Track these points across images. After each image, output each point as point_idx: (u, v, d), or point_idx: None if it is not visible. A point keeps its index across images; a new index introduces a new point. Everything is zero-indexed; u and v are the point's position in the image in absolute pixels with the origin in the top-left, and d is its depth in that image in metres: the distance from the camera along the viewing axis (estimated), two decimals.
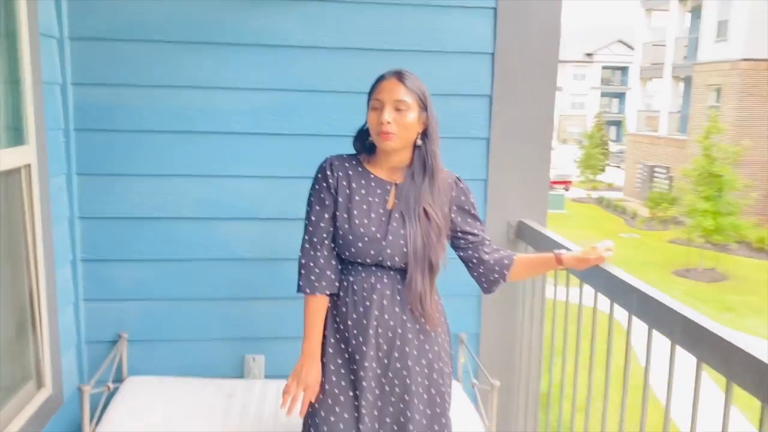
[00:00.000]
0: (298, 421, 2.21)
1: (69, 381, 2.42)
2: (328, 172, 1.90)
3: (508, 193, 2.68)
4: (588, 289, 2.12)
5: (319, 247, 1.89)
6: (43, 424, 2.16)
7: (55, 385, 2.29)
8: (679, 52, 26.28)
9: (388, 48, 2.56)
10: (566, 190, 29.92)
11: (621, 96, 48.61)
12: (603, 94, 48.84)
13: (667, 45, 27.07)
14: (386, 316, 1.87)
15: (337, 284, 1.91)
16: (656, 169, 26.33)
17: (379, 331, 1.87)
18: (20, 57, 2.08)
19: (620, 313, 1.92)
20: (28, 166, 2.11)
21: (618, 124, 44.68)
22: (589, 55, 47.60)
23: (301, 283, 1.91)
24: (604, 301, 2.03)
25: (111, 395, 2.41)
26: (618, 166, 35.33)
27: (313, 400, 1.93)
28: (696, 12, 25.11)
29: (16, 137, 2.10)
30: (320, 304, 1.92)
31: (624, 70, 47.42)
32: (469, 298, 2.69)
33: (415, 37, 2.58)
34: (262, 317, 2.70)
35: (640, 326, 1.80)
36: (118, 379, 2.54)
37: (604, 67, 48.96)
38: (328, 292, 1.90)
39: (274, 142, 2.59)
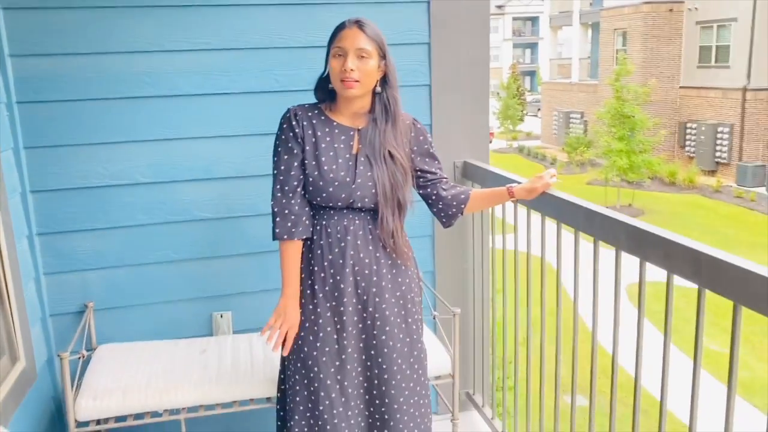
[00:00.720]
0: (274, 366, 2.32)
1: (39, 355, 2.41)
2: (294, 122, 1.95)
3: (452, 135, 2.77)
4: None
5: (291, 194, 1.94)
6: (20, 398, 2.16)
7: (28, 359, 2.28)
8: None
9: (329, 1, 2.60)
10: (489, 141, 30.45)
11: (533, 46, 49.46)
12: (515, 45, 49.47)
13: None
14: (361, 255, 1.96)
15: (310, 229, 1.98)
16: (571, 115, 27.22)
17: (356, 269, 1.96)
18: None
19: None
20: None
21: (532, 74, 45.51)
22: (499, 7, 48.10)
23: (277, 230, 1.95)
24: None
25: (85, 364, 2.41)
26: (535, 115, 36.19)
27: (292, 338, 2.00)
28: None
29: None
30: (297, 248, 1.99)
31: (534, 20, 48.21)
32: (424, 238, 2.81)
33: None
34: (226, 275, 2.73)
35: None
36: (89, 349, 2.53)
37: (514, 18, 49.52)
38: (303, 237, 1.97)
39: (224, 102, 2.59)
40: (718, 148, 20.59)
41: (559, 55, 32.34)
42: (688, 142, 22.01)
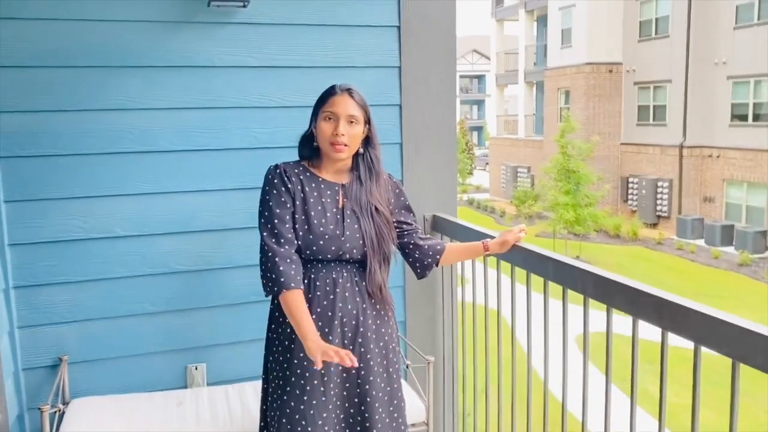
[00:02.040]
0: (253, 418, 2.34)
1: (12, 409, 2.37)
2: (284, 178, 1.99)
3: (422, 190, 2.88)
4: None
5: (288, 246, 1.95)
6: None
7: (2, 413, 2.25)
8: (529, 59, 28.07)
9: (306, 65, 2.72)
10: None
11: (480, 103, 50.96)
12: (463, 102, 50.81)
13: (519, 53, 28.77)
14: (349, 306, 2.02)
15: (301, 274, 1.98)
16: (519, 169, 27.94)
17: (344, 320, 2.01)
18: None
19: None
20: None
21: (479, 129, 46.90)
22: None
23: (282, 279, 1.89)
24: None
25: (60, 420, 2.38)
26: (484, 169, 37.09)
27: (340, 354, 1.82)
28: (542, 21, 26.90)
29: None
30: (302, 295, 1.94)
31: (481, 78, 49.82)
32: (395, 289, 2.82)
33: (329, 54, 2.75)
34: (201, 327, 2.75)
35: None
36: (63, 403, 2.49)
37: (461, 76, 50.95)
38: (301, 285, 1.95)
39: (203, 158, 2.66)
40: (658, 201, 21.40)
41: (506, 112, 33.43)
42: (630, 196, 22.81)
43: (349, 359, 1.78)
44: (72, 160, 2.53)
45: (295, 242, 1.98)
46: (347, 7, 2.76)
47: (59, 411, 2.36)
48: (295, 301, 1.92)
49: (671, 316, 1.57)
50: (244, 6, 2.58)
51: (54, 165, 2.51)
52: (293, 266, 1.95)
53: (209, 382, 2.78)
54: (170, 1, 2.57)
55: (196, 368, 2.76)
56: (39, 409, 2.15)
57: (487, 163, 35.47)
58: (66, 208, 2.54)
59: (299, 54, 2.73)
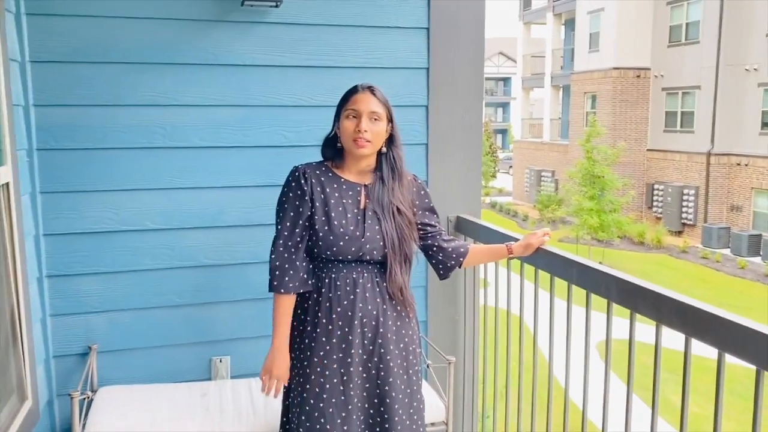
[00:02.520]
0: (275, 411, 2.36)
1: (42, 394, 2.43)
2: (302, 181, 2.01)
3: (446, 191, 2.89)
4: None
5: (293, 250, 1.99)
6: None
7: (34, 398, 2.29)
8: (556, 63, 27.85)
9: (337, 65, 2.75)
10: None
11: (505, 105, 50.75)
12: (488, 104, 50.57)
13: (546, 56, 28.56)
14: (369, 307, 2.02)
15: (310, 283, 2.03)
16: (542, 173, 27.77)
17: (364, 321, 2.01)
18: None
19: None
20: (7, 184, 2.12)
21: (504, 132, 46.56)
22: None
23: (275, 283, 1.99)
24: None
25: (88, 407, 2.42)
26: (507, 172, 36.90)
27: (286, 384, 2.06)
28: (570, 24, 26.67)
29: None
30: (291, 302, 2.04)
31: (506, 80, 49.60)
32: (417, 289, 2.84)
33: (359, 55, 2.77)
34: (226, 320, 2.78)
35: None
36: (91, 390, 2.54)
37: (486, 78, 50.73)
38: (300, 291, 2.02)
39: (233, 155, 2.70)
40: (684, 209, 21.14)
41: (531, 115, 33.21)
42: (655, 203, 22.57)
43: (266, 391, 2.03)
44: (105, 154, 2.58)
45: (301, 247, 2.02)
46: (378, 8, 2.78)
47: (88, 398, 2.41)
48: (280, 304, 2.02)
49: (695, 322, 1.58)
50: (277, 6, 2.61)
51: (88, 158, 2.57)
52: (290, 272, 1.99)
53: (233, 374, 2.81)
54: (204, 0, 2.60)
55: (221, 361, 2.80)
56: (69, 395, 2.20)
57: (510, 167, 35.29)
58: (99, 200, 2.60)
59: (330, 54, 2.75)
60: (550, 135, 28.52)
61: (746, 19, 19.28)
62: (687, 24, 21.34)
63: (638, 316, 1.81)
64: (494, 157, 34.39)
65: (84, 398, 2.37)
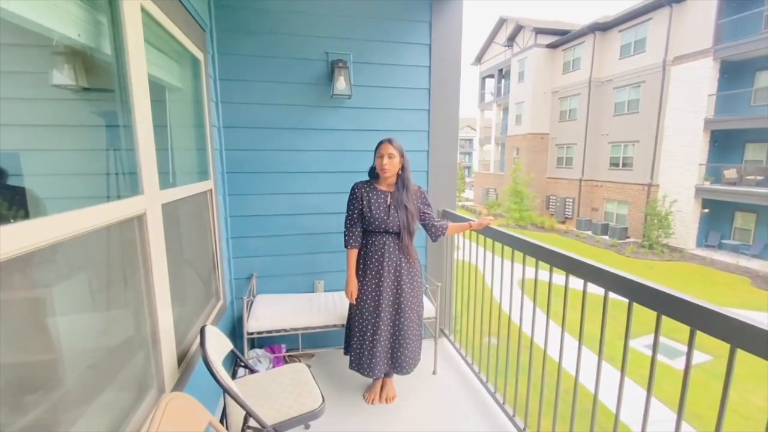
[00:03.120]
0: (345, 308, 2.35)
1: (228, 298, 2.46)
2: (356, 190, 1.99)
3: (438, 196, 2.80)
4: (469, 253, 2.37)
5: (353, 226, 1.98)
6: (219, 320, 2.20)
7: (224, 300, 2.33)
8: (498, 131, 27.21)
9: (378, 129, 2.67)
10: None
11: (470, 154, 49.67)
12: (461, 153, 49.56)
13: (492, 127, 27.91)
14: (393, 257, 1.98)
15: (360, 242, 1.99)
16: (489, 190, 27.16)
17: (390, 266, 1.98)
18: (206, 136, 2.14)
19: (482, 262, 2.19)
20: (211, 190, 2.16)
21: (469, 167, 45.75)
22: None
23: (346, 243, 2.00)
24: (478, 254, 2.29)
25: (251, 303, 2.45)
26: (471, 189, 36.19)
27: (356, 297, 2.02)
28: (506, 110, 26.01)
29: (205, 176, 2.14)
30: (354, 252, 2.01)
31: (471, 140, 48.58)
32: (421, 248, 2.84)
33: (392, 123, 2.68)
34: (322, 261, 2.74)
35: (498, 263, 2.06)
36: (252, 296, 2.57)
37: (461, 139, 49.79)
38: (357, 247, 1.99)
39: (327, 176, 2.65)
40: (566, 209, 20.48)
41: (483, 159, 32.50)
42: (550, 206, 21.87)
43: (349, 297, 1.95)
44: (259, 175, 2.57)
45: (357, 224, 1.98)
46: (403, 98, 2.70)
47: (250, 301, 2.44)
48: (350, 254, 1.99)
49: (566, 264, 1.47)
50: (349, 98, 2.58)
51: (250, 177, 2.56)
52: (352, 238, 1.97)
53: (326, 289, 2.79)
54: (313, 94, 2.57)
55: (319, 282, 2.77)
56: (241, 298, 2.23)
57: (472, 186, 34.62)
58: (257, 199, 2.59)
59: (376, 123, 2.69)
60: (494, 169, 27.89)
61: (603, 107, 18.50)
62: (570, 109, 20.56)
63: (542, 264, 1.71)
64: (464, 181, 33.81)
65: (249, 301, 2.40)
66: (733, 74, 13.59)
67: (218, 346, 1.64)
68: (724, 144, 13.99)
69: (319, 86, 2.56)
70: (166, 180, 1.86)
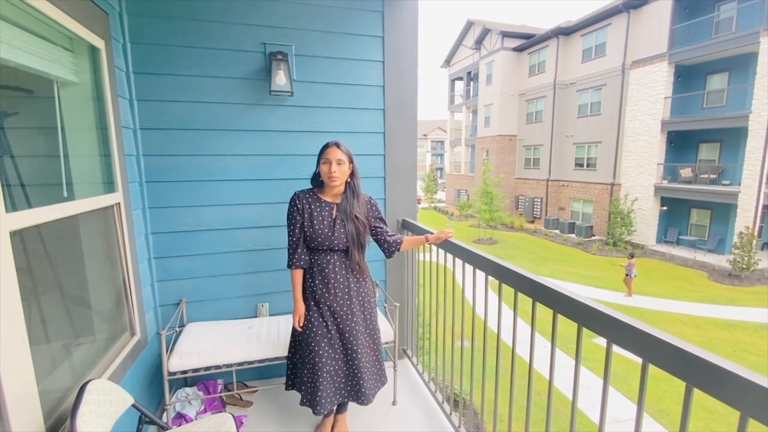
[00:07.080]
0: (288, 338, 2.06)
1: (151, 330, 2.13)
2: (296, 202, 1.76)
3: (395, 205, 2.59)
4: (440, 254, 2.13)
5: (297, 243, 1.75)
6: (134, 359, 1.88)
7: (142, 333, 2.00)
8: (468, 133, 27.57)
9: (326, 131, 2.41)
10: (419, 203, 30.57)
11: (442, 155, 50.24)
12: (433, 155, 50.23)
13: (462, 129, 28.27)
14: (339, 277, 1.76)
15: (308, 261, 1.77)
16: (461, 191, 27.47)
17: (337, 286, 1.76)
18: (110, 139, 1.80)
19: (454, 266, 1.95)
20: (119, 203, 1.83)
21: (441, 169, 46.21)
22: (424, 135, 48.93)
23: (289, 263, 1.76)
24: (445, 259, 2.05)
25: (177, 336, 2.15)
26: (443, 190, 36.53)
27: (302, 323, 1.79)
28: (475, 112, 26.41)
29: (111, 187, 1.82)
30: (300, 273, 1.78)
31: (442, 142, 49.14)
32: (378, 262, 2.61)
33: (342, 124, 2.42)
34: (265, 281, 2.46)
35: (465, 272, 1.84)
36: (181, 325, 2.26)
37: (432, 141, 50.44)
38: (303, 267, 1.77)
39: (265, 184, 2.37)
40: (534, 209, 20.91)
41: (455, 160, 32.88)
42: (519, 206, 22.29)
43: (296, 323, 1.77)
44: (187, 184, 2.25)
45: (300, 241, 1.75)
46: (354, 96, 2.44)
47: (176, 332, 2.10)
48: (295, 275, 1.78)
49: (511, 277, 1.26)
50: (291, 95, 2.29)
51: (176, 187, 2.24)
52: (295, 256, 1.74)
53: (270, 313, 2.50)
54: (249, 91, 2.27)
55: (263, 305, 2.48)
56: (158, 333, 1.89)
57: (444, 188, 34.93)
58: (184, 212, 2.27)
59: (323, 124, 2.41)
60: (465, 170, 28.20)
61: (567, 109, 19.01)
62: (536, 111, 21.02)
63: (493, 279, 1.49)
64: (436, 182, 34.02)
65: (174, 332, 2.06)
66: (687, 77, 14.25)
67: (107, 406, 1.29)
68: (680, 144, 14.64)
69: (255, 81, 2.26)
70: (56, 194, 1.51)
